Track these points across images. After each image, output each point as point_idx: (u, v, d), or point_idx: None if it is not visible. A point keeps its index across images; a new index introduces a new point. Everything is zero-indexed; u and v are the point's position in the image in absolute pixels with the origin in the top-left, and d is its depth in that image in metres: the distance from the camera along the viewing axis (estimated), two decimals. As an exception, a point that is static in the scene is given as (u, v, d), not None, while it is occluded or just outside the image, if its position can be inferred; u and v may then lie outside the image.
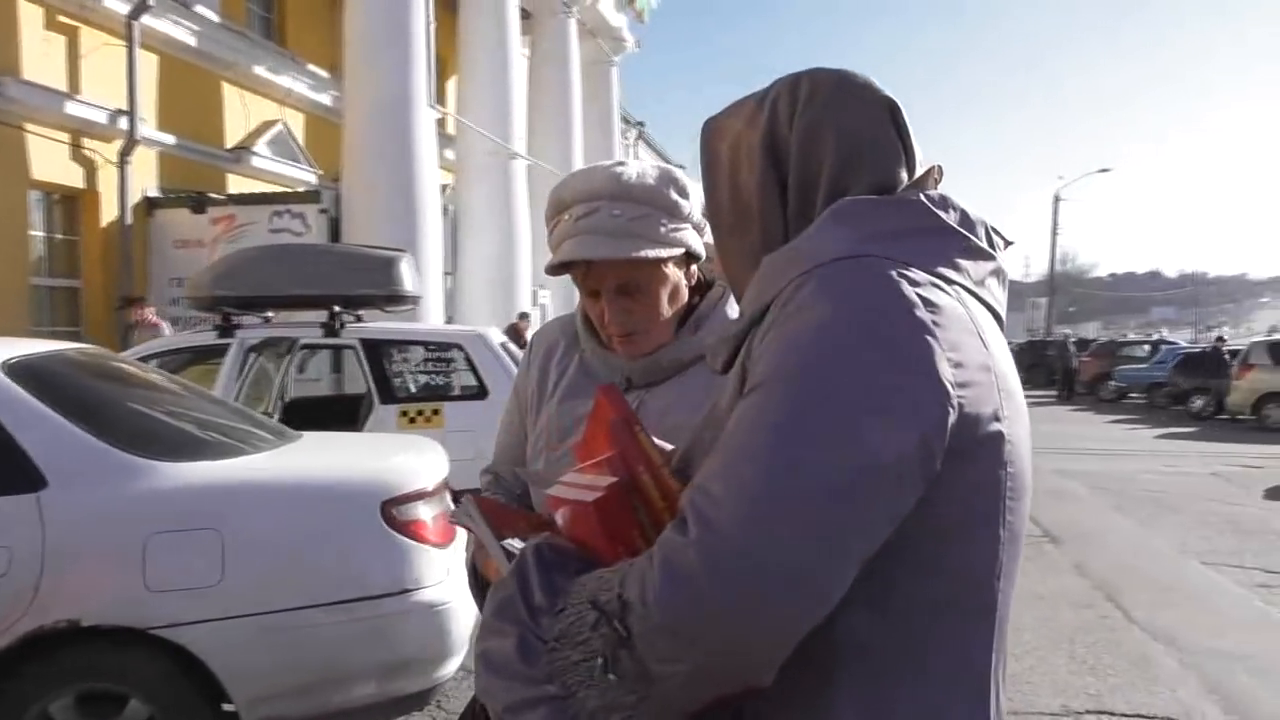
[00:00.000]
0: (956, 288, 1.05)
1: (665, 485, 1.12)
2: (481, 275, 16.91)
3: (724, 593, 0.89)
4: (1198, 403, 22.40)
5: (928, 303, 0.99)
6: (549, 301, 19.69)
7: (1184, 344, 32.66)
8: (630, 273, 1.64)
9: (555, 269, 1.66)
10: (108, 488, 3.28)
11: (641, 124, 32.79)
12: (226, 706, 3.32)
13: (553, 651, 0.99)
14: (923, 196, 1.09)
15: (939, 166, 1.17)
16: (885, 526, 0.94)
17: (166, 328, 10.02)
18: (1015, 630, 5.76)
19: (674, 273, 1.69)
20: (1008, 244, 1.19)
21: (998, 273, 1.13)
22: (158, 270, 12.46)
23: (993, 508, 1.03)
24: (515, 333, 13.53)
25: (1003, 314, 1.13)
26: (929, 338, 0.96)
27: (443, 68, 17.56)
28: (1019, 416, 1.06)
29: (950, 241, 1.08)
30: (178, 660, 3.22)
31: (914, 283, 1.00)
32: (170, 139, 12.66)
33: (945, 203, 1.10)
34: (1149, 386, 25.99)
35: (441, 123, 15.92)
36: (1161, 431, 19.27)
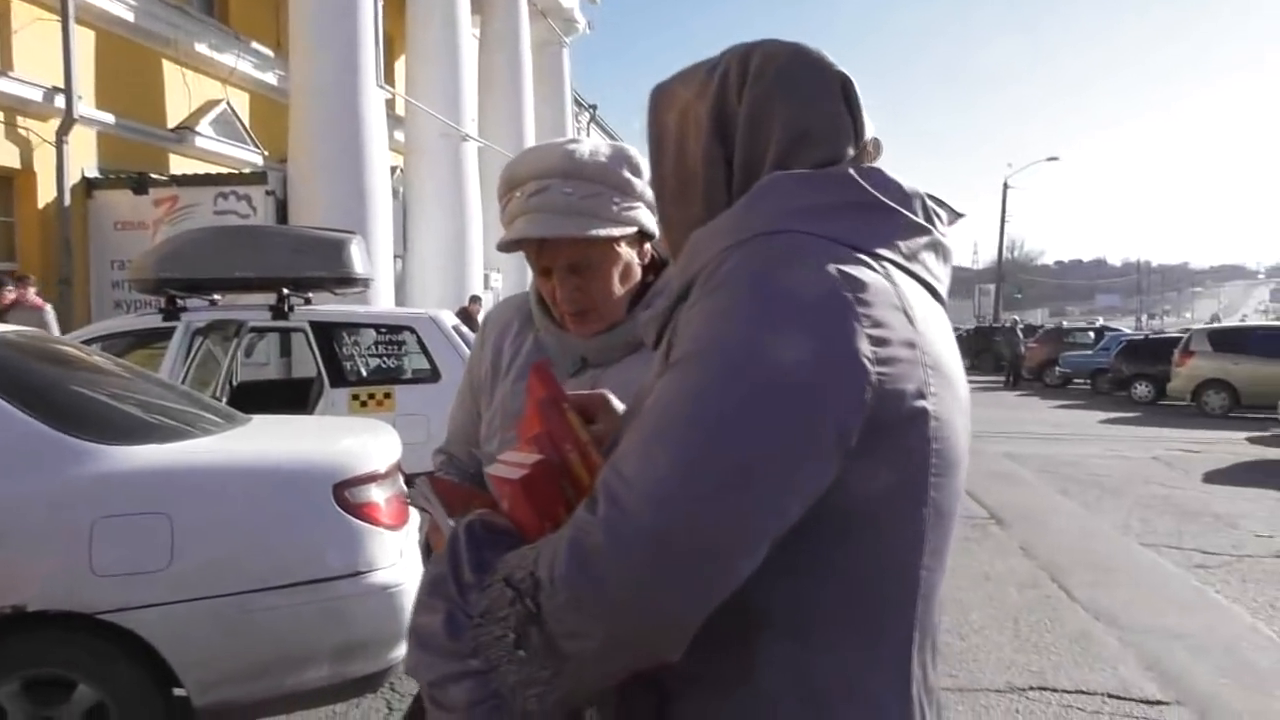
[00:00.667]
0: (884, 263, 1.03)
1: (592, 463, 1.12)
2: (433, 258, 16.78)
3: (627, 572, 0.90)
4: (1140, 388, 22.87)
5: (848, 278, 0.98)
6: (501, 284, 19.58)
7: (1127, 331, 33.26)
8: (583, 251, 1.64)
9: (507, 246, 1.66)
10: (52, 472, 3.22)
11: (594, 107, 32.68)
12: (178, 691, 3.28)
13: (478, 627, 1.00)
14: (852, 171, 1.07)
15: (876, 140, 1.15)
16: (798, 505, 0.94)
17: (50, 312, 9.51)
18: (962, 610, 5.90)
19: (627, 251, 1.69)
20: (957, 216, 1.19)
21: (935, 247, 1.11)
22: (98, 252, 12.22)
23: (916, 485, 1.02)
24: (467, 316, 13.44)
25: (940, 288, 1.12)
26: (847, 314, 0.95)
27: (390, 47, 17.37)
28: (950, 393, 1.05)
29: (879, 216, 1.06)
30: (126, 645, 3.17)
31: (835, 258, 0.99)
32: (109, 118, 12.39)
33: (878, 177, 1.09)
34: (1093, 372, 26.45)
35: (390, 104, 15.73)
36: (1105, 416, 19.62)
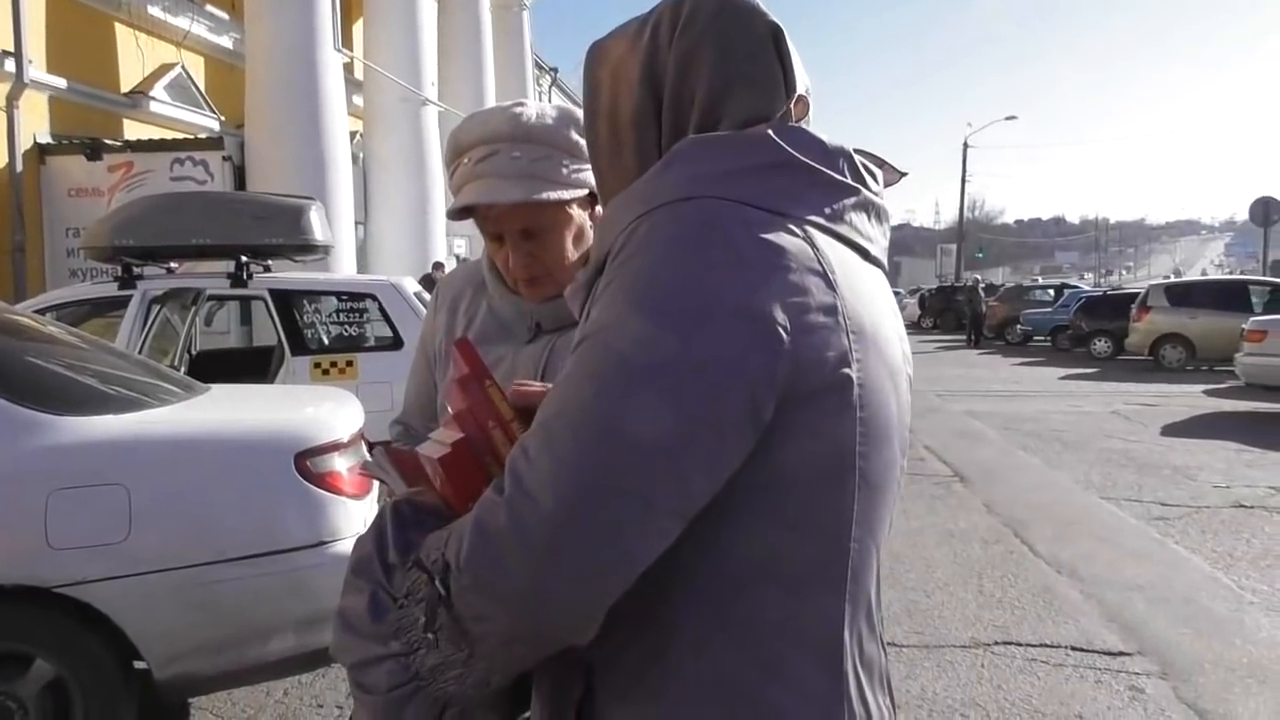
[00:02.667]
0: (804, 225, 0.98)
1: (516, 440, 1.10)
2: (395, 225, 16.64)
3: (528, 555, 0.87)
4: (1099, 344, 23.16)
5: (762, 243, 0.94)
6: (465, 251, 19.45)
7: (1086, 288, 33.66)
8: (533, 216, 1.61)
9: (455, 214, 1.63)
10: (6, 444, 3.15)
11: (555, 70, 32.43)
12: (138, 664, 3.25)
13: (400, 609, 0.98)
14: (770, 131, 1.02)
15: (804, 98, 1.11)
16: (707, 483, 0.91)
17: None
18: (927, 567, 5.96)
19: (578, 214, 1.66)
20: (898, 175, 1.15)
21: (866, 206, 1.07)
22: (52, 220, 12.04)
23: (842, 456, 0.97)
24: (430, 283, 13.35)
25: (872, 249, 1.07)
26: (760, 281, 0.92)
27: (348, 10, 17.09)
28: (878, 360, 1.00)
29: (798, 177, 1.01)
30: (85, 619, 3.13)
31: (749, 223, 0.95)
32: (61, 82, 12.12)
33: (798, 135, 1.04)
34: (1053, 329, 26.76)
35: (349, 68, 15.51)
36: (1065, 373, 19.84)
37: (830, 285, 0.96)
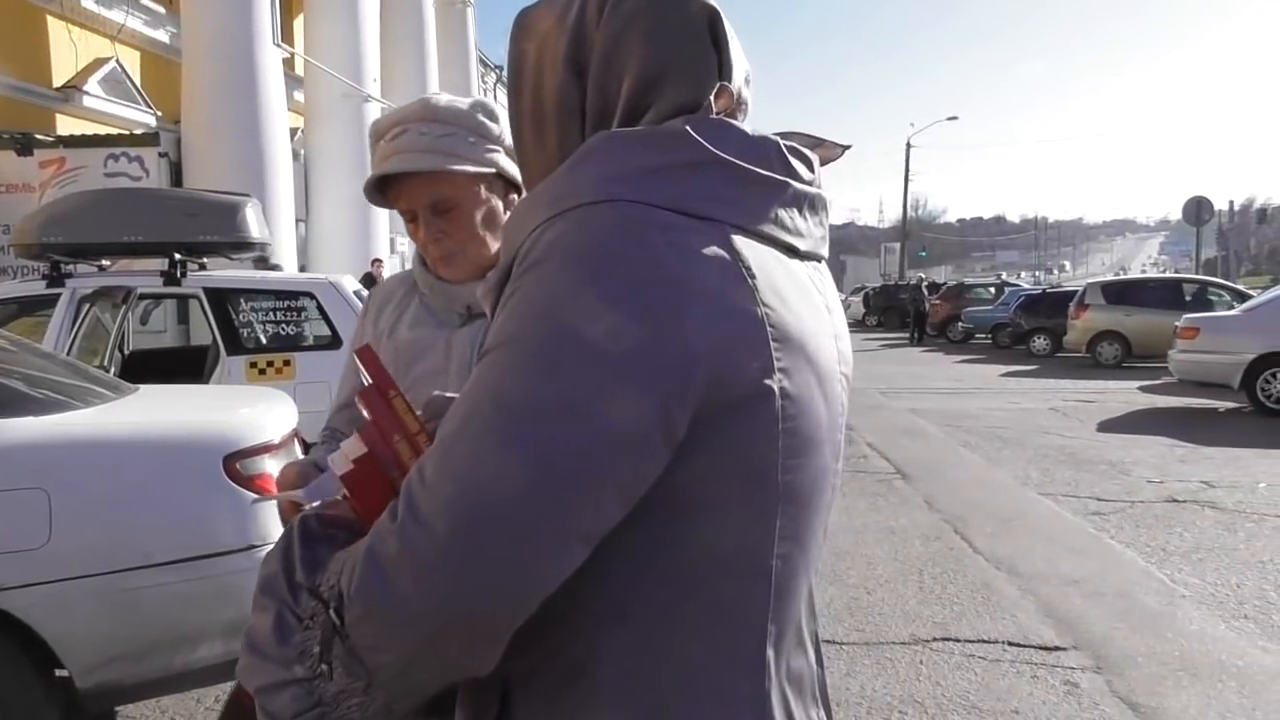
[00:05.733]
0: (724, 227, 0.92)
1: (422, 454, 1.06)
2: (336, 223, 16.47)
3: (423, 585, 0.83)
4: (1038, 342, 23.56)
5: (678, 251, 0.87)
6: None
7: (1026, 286, 34.26)
8: (439, 189, 1.71)
9: (373, 193, 1.75)
10: (-82, 448, 3.05)
11: (500, 68, 32.32)
12: (60, 672, 3.15)
13: (306, 630, 0.93)
14: (688, 126, 0.94)
15: (727, 89, 1.01)
16: (620, 502, 0.86)
17: None
18: (869, 564, 6.00)
19: (488, 195, 1.76)
20: (841, 149, 1.09)
21: (795, 199, 0.99)
22: (-20, 217, 11.69)
23: (762, 470, 0.92)
24: (371, 281, 13.22)
25: (801, 244, 1.00)
26: (674, 292, 0.86)
27: (288, 4, 16.87)
28: (805, 366, 0.94)
29: (718, 175, 0.93)
30: (2, 626, 3.02)
31: (664, 228, 0.88)
32: (-11, 76, 11.84)
33: (719, 130, 0.96)
34: (993, 327, 27.18)
35: (290, 64, 15.30)
36: (1005, 370, 20.14)
37: (752, 293, 0.90)
